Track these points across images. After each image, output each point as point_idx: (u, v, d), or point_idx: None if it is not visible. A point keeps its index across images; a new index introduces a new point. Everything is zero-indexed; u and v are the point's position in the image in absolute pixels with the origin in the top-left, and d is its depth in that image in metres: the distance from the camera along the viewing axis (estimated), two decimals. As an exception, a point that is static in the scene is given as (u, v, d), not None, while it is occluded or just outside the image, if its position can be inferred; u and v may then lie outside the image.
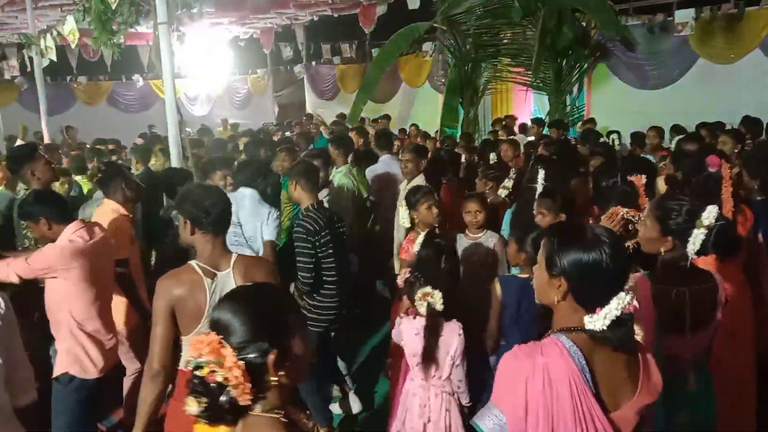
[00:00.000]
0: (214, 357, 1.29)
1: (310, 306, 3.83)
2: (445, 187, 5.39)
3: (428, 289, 2.82)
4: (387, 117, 12.17)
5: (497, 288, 3.15)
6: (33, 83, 11.93)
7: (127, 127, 14.81)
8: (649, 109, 9.93)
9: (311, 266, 3.69)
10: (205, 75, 15.88)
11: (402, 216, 3.99)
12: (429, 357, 2.86)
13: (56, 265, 2.96)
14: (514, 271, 3.48)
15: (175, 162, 4.85)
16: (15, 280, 2.99)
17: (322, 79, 16.85)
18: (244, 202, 4.11)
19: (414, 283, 2.90)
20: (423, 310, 2.82)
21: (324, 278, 3.80)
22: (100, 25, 5.16)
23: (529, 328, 3.15)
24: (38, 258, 2.98)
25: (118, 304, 3.56)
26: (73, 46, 7.34)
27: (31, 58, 9.05)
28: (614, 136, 7.73)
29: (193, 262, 2.43)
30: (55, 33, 7.31)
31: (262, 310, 1.40)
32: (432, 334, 2.84)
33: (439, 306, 2.80)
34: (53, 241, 3.07)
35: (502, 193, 5.03)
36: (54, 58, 7.75)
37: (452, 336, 2.87)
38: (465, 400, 2.97)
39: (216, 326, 1.36)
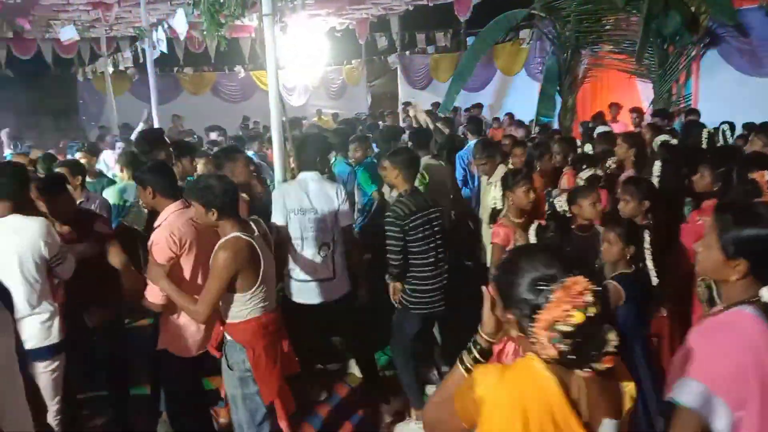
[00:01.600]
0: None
1: (408, 290, 3.89)
2: (537, 175, 5.30)
3: None
4: (479, 106, 12.05)
5: (616, 287, 3.05)
6: (144, 74, 12.69)
7: (229, 115, 15.50)
8: (764, 98, 9.27)
9: (399, 249, 3.76)
10: (302, 66, 16.27)
11: (493, 196, 3.96)
12: None
13: (173, 252, 3.20)
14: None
15: (277, 148, 5.01)
16: (160, 300, 3.26)
17: (416, 68, 16.87)
18: (308, 187, 4.12)
19: None
20: None
21: (418, 262, 3.85)
22: (209, 17, 5.40)
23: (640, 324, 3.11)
24: (157, 256, 3.19)
25: None
26: (181, 38, 7.73)
27: (143, 51, 9.59)
28: (725, 127, 7.24)
29: (237, 233, 2.94)
30: (165, 26, 7.71)
31: None
32: None
33: None
34: (154, 208, 3.34)
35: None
36: (165, 50, 8.19)
37: None
38: None
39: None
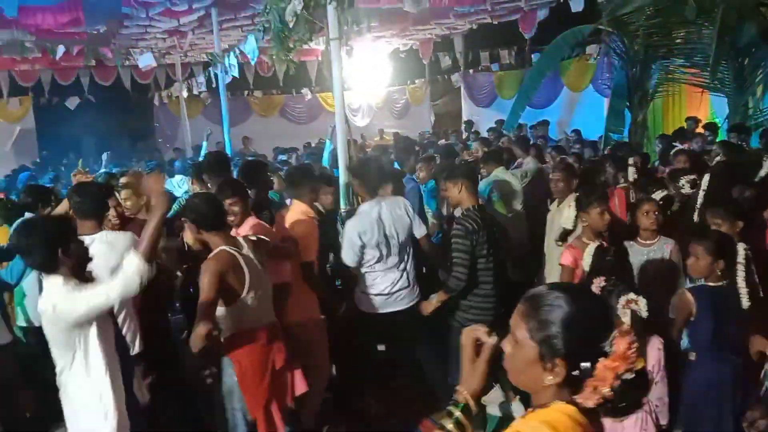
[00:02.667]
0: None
1: (464, 306, 3.88)
2: (619, 191, 5.17)
3: (632, 295, 2.70)
4: (545, 122, 11.90)
5: (688, 299, 2.94)
6: (216, 98, 13.22)
7: (296, 136, 15.87)
8: None
9: (468, 263, 3.75)
10: (366, 87, 16.52)
11: (566, 216, 3.90)
12: None
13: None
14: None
15: (342, 168, 5.11)
16: None
17: (480, 86, 16.82)
18: (381, 215, 4.10)
19: (612, 291, 2.78)
20: (627, 319, 2.67)
21: (479, 278, 3.85)
22: (278, 42, 5.58)
23: (735, 340, 2.98)
24: None
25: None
26: (252, 63, 8.02)
27: (215, 75, 10.00)
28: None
29: (224, 247, 3.09)
30: (237, 51, 8.03)
31: None
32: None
33: (644, 313, 2.68)
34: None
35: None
36: (236, 74, 8.52)
37: (651, 350, 2.75)
38: (664, 420, 2.83)
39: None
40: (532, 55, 14.61)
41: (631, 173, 5.29)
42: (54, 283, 2.63)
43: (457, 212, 4.29)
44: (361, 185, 4.24)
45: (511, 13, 11.92)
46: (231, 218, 3.66)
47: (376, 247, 4.00)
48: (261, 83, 17.37)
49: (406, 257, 4.15)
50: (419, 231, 4.21)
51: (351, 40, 7.56)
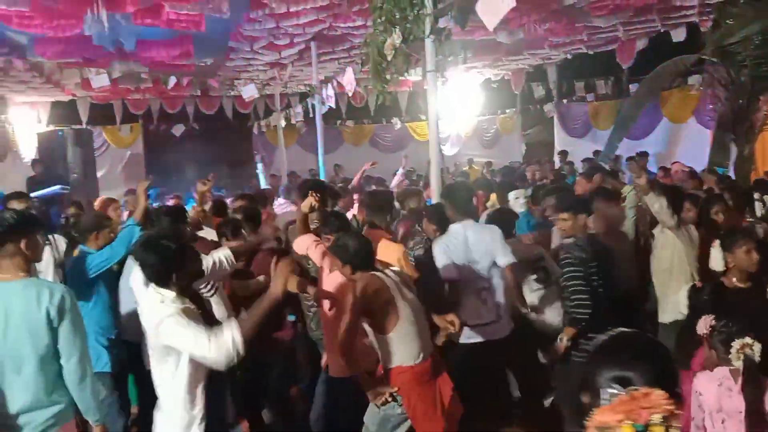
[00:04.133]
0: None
1: (582, 339, 3.78)
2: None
3: (748, 339, 2.61)
4: (644, 154, 11.50)
5: None
6: (311, 127, 13.68)
7: (385, 165, 16.11)
8: None
9: (583, 289, 3.66)
10: (457, 116, 16.58)
11: (714, 257, 3.74)
12: (753, 414, 2.63)
13: None
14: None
15: (435, 194, 5.17)
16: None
17: (574, 116, 16.50)
18: (467, 238, 4.13)
19: (724, 332, 2.71)
20: (739, 363, 2.60)
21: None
22: (376, 74, 5.74)
23: None
24: None
25: None
26: (349, 93, 8.27)
27: (312, 106, 10.36)
28: None
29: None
30: (335, 83, 8.31)
31: None
32: (755, 388, 2.63)
33: (757, 357, 2.59)
34: None
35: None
36: (333, 105, 8.81)
37: None
38: None
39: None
40: (630, 86, 14.21)
41: (759, 208, 5.03)
42: (166, 297, 2.74)
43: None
44: (451, 207, 4.31)
45: (608, 43, 11.68)
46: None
47: (460, 267, 4.00)
48: (353, 113, 17.82)
49: (489, 285, 4.12)
50: (504, 259, 4.15)
51: (446, 71, 7.68)
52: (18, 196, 5.10)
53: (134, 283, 3.46)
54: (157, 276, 2.77)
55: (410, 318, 3.15)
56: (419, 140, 18.45)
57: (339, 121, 18.40)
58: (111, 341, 4.04)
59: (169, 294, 2.75)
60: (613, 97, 15.52)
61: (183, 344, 2.66)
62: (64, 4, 6.47)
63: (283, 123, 14.48)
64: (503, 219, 4.72)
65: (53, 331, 2.75)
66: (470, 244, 4.10)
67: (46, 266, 4.21)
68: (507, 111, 18.44)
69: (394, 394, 3.15)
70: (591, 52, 12.39)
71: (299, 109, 12.49)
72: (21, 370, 2.77)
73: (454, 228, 4.21)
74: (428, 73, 5.26)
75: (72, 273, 4.06)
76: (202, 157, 17.32)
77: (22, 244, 2.79)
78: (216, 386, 2.94)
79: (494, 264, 4.14)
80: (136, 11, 6.86)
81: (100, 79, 9.07)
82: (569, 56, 13.18)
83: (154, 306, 2.75)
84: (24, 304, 2.73)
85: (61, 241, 4.49)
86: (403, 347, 3.14)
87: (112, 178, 16.22)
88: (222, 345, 2.58)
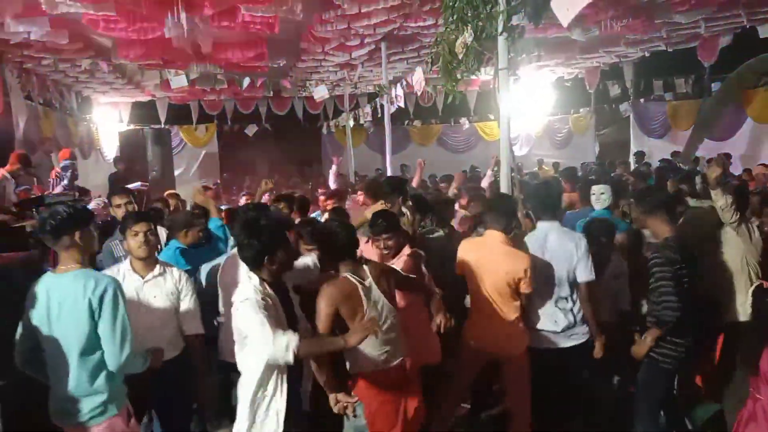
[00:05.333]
0: None
1: (665, 342, 3.69)
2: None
3: None
4: (727, 155, 10.97)
5: None
6: (378, 127, 13.77)
7: (452, 165, 15.99)
8: None
9: (671, 290, 3.55)
10: (527, 116, 16.29)
11: None
12: None
13: None
14: None
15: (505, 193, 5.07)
16: None
17: (651, 116, 15.90)
18: (548, 239, 4.02)
19: None
20: None
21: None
22: (446, 73, 5.69)
23: None
24: None
25: None
26: (418, 93, 8.25)
27: (381, 106, 10.40)
28: None
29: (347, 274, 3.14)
30: (404, 83, 8.31)
31: None
32: None
33: None
34: None
35: None
36: (402, 104, 8.81)
37: None
38: None
39: None
40: (712, 84, 13.59)
41: None
42: (252, 281, 2.95)
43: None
44: (537, 207, 4.25)
45: (689, 40, 11.18)
46: (386, 252, 3.79)
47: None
48: (421, 113, 17.79)
49: (566, 296, 4.00)
50: (582, 275, 3.96)
51: (518, 69, 7.55)
52: (119, 191, 5.33)
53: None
54: (252, 257, 2.97)
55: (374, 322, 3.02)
56: (488, 140, 18.25)
57: (407, 121, 18.42)
58: None
59: (255, 279, 2.95)
60: (693, 97, 14.86)
61: (248, 329, 2.86)
62: (147, 8, 6.73)
63: (351, 123, 14.61)
64: (601, 229, 4.52)
65: (94, 321, 2.85)
66: (549, 248, 3.99)
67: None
68: (580, 110, 17.97)
69: (355, 403, 3.05)
70: (670, 50, 11.90)
71: (368, 109, 12.57)
72: (68, 359, 2.90)
73: (539, 226, 4.15)
74: (500, 71, 5.16)
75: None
76: (272, 156, 17.78)
77: (77, 237, 2.92)
78: (293, 375, 3.06)
79: (571, 274, 3.98)
80: (213, 14, 7.07)
81: (178, 80, 9.40)
82: (647, 54, 12.70)
83: (241, 287, 2.96)
84: (72, 295, 2.86)
85: (162, 233, 4.68)
86: (365, 353, 3.09)
87: (188, 175, 16.81)
88: (278, 347, 2.75)
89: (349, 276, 3.14)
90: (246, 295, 2.86)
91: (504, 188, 5.25)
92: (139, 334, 3.09)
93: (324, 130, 18.19)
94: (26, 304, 2.97)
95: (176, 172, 14.46)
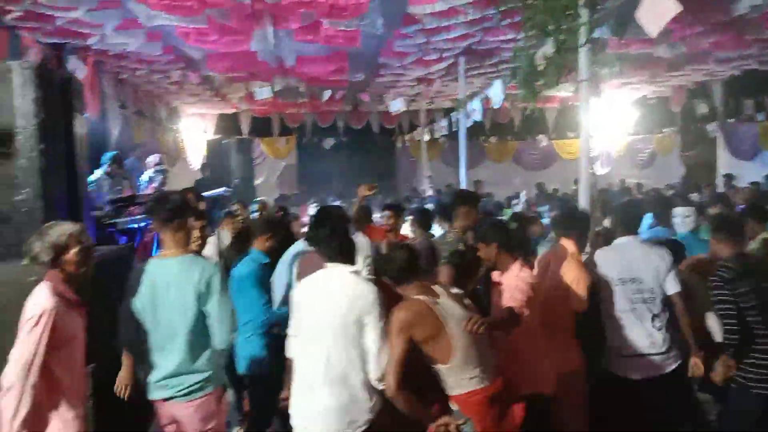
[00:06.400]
0: None
1: (744, 364, 3.53)
2: None
3: None
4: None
5: None
6: (453, 142, 13.74)
7: (527, 183, 15.81)
8: None
9: (731, 314, 3.48)
10: (608, 134, 15.89)
11: None
12: None
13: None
14: None
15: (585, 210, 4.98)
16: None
17: (741, 137, 15.16)
18: (632, 253, 3.93)
19: None
20: None
21: (753, 331, 3.50)
22: (525, 85, 5.67)
23: None
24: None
25: None
26: (496, 107, 8.20)
27: (457, 120, 10.41)
28: None
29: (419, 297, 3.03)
30: (482, 96, 8.31)
31: None
32: None
33: None
34: (494, 266, 3.55)
35: None
36: (479, 118, 8.79)
37: None
38: None
39: None
40: (810, 104, 12.85)
41: None
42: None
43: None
44: (619, 223, 4.15)
45: (785, 57, 10.65)
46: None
47: (619, 286, 3.83)
48: (497, 130, 17.63)
49: (655, 312, 3.87)
50: (674, 286, 3.87)
51: (599, 84, 7.41)
52: (191, 190, 5.64)
53: None
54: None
55: (467, 345, 2.96)
56: (565, 159, 17.90)
57: (482, 138, 18.31)
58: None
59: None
60: (787, 117, 14.09)
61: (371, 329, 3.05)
62: (236, 22, 7.05)
63: (426, 137, 14.67)
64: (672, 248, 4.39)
65: (201, 305, 3.04)
66: (633, 262, 3.91)
67: (211, 255, 4.62)
68: (664, 130, 17.36)
69: (465, 421, 2.97)
70: (762, 68, 11.35)
71: (444, 123, 12.60)
72: (174, 339, 3.12)
73: (618, 242, 4.07)
74: (581, 83, 5.09)
75: (240, 270, 4.35)
76: (348, 168, 18.11)
77: (188, 223, 3.14)
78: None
79: (661, 289, 3.90)
80: (297, 28, 7.31)
81: (263, 92, 9.76)
82: (737, 72, 12.16)
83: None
84: (180, 279, 3.05)
85: (225, 236, 4.88)
86: (467, 375, 2.98)
87: (268, 186, 17.35)
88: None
89: (422, 299, 3.04)
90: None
91: (583, 202, 5.17)
92: None
93: (399, 144, 18.34)
94: (129, 287, 3.20)
95: (256, 182, 14.98)
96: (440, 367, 3.00)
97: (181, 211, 3.17)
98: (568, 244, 3.91)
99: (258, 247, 4.40)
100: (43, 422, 2.80)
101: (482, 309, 3.46)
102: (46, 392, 2.79)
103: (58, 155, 4.19)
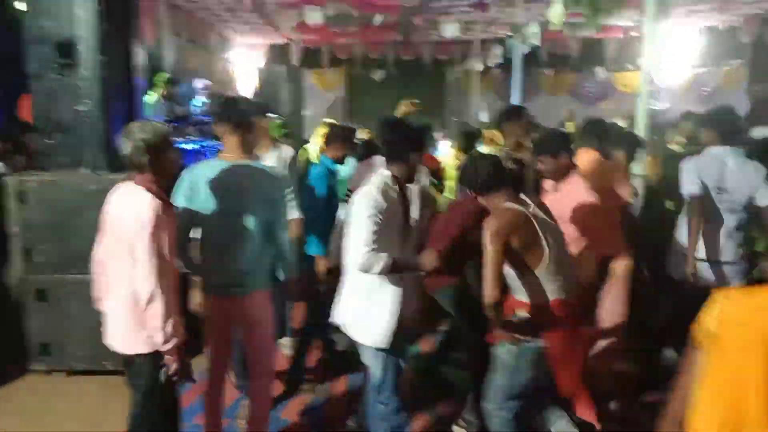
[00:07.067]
0: None
1: None
2: None
3: None
4: None
5: None
6: (506, 75, 13.36)
7: (584, 116, 15.28)
8: None
9: None
10: (672, 66, 15.14)
11: None
12: None
13: None
14: None
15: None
16: None
17: (817, 70, 14.27)
18: (727, 163, 3.87)
19: None
20: None
21: None
22: (591, 6, 5.40)
23: None
24: None
25: None
26: (557, 27, 7.81)
27: (513, 47, 10.07)
28: None
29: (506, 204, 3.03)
30: (541, 20, 7.98)
31: None
32: None
33: None
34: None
35: None
36: (537, 42, 8.45)
37: None
38: None
39: None
40: None
41: None
42: (384, 175, 3.20)
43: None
44: (710, 132, 4.05)
45: None
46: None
47: (711, 193, 3.79)
48: (553, 61, 17.01)
49: (743, 226, 3.81)
50: (763, 199, 3.81)
51: (667, 12, 7.01)
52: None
53: None
54: (392, 150, 3.23)
55: (557, 254, 2.97)
56: (624, 92, 17.22)
57: (538, 69, 17.71)
58: None
59: (388, 173, 3.21)
60: None
61: (355, 224, 3.14)
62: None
63: (480, 67, 14.24)
64: None
65: (265, 210, 3.09)
66: (728, 171, 3.87)
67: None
68: (732, 62, 16.43)
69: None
70: None
71: (498, 50, 12.20)
72: (243, 239, 3.19)
73: (714, 151, 3.98)
74: (647, 8, 4.80)
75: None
76: (398, 102, 17.80)
77: (259, 124, 3.17)
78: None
79: (751, 201, 3.87)
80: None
81: (314, 16, 9.59)
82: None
83: (369, 181, 3.18)
84: (244, 182, 3.08)
85: (288, 150, 4.90)
86: (550, 284, 2.96)
87: (317, 117, 17.30)
88: (366, 262, 3.00)
89: (514, 207, 3.02)
90: (368, 190, 3.04)
91: (644, 133, 4.98)
92: None
93: (450, 77, 17.92)
94: (187, 188, 3.22)
95: (305, 113, 14.91)
96: (525, 275, 3.00)
97: (251, 113, 3.18)
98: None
99: (329, 154, 4.67)
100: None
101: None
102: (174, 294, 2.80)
103: (118, 68, 4.23)
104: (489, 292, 2.84)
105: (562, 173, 3.65)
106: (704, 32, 14.58)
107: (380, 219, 2.96)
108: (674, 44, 14.05)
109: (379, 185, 3.04)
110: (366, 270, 2.95)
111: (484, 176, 3.08)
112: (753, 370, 1.53)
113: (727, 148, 3.91)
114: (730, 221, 3.84)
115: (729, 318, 1.60)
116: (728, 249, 3.82)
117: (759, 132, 6.25)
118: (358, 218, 2.97)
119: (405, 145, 3.12)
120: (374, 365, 3.12)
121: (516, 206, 2.99)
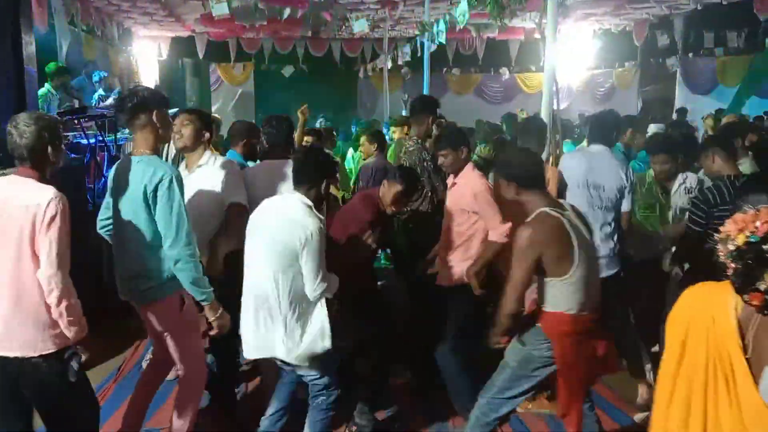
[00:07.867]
0: None
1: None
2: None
3: None
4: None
5: None
6: (415, 73, 13.53)
7: (490, 116, 15.72)
8: None
9: (699, 234, 3.50)
10: (569, 68, 15.88)
11: None
12: None
13: None
14: None
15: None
16: None
17: (699, 72, 15.38)
18: (599, 161, 3.99)
19: None
20: None
21: None
22: (494, 4, 5.55)
23: None
24: None
25: None
26: (461, 27, 8.00)
27: (421, 45, 10.22)
28: None
29: (546, 209, 2.73)
30: (447, 17, 8.14)
31: None
32: None
33: None
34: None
35: None
36: (443, 40, 8.61)
37: None
38: None
39: None
40: (766, 39, 13.04)
41: None
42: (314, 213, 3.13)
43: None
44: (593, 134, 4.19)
45: (746, -9, 10.67)
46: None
47: (581, 189, 3.90)
48: (460, 61, 17.46)
49: (611, 222, 3.96)
50: (626, 204, 4.01)
51: (566, 16, 7.31)
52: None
53: None
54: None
55: (584, 265, 2.71)
56: (528, 93, 17.89)
57: (445, 69, 18.10)
58: None
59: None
60: (745, 52, 14.29)
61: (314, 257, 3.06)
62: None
63: (389, 65, 14.37)
64: None
65: (149, 209, 2.87)
66: (597, 167, 3.97)
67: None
68: (625, 64, 17.46)
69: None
70: (724, 2, 11.39)
71: (407, 49, 12.35)
72: (129, 241, 2.97)
73: (591, 147, 4.15)
74: (548, 13, 4.96)
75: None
76: (308, 99, 17.52)
77: (154, 116, 2.93)
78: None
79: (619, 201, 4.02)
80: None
81: (220, 8, 9.31)
82: (699, 6, 12.19)
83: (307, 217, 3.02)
84: (134, 179, 2.89)
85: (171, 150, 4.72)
86: (570, 295, 2.72)
87: (224, 113, 16.87)
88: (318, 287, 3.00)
89: (548, 210, 2.72)
90: (313, 222, 2.96)
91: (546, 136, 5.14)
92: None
93: (360, 75, 17.99)
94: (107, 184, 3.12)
95: (213, 108, 14.50)
96: (551, 280, 2.74)
97: (147, 104, 2.95)
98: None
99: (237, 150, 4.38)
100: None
101: None
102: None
103: (5, 57, 3.94)
104: (509, 305, 2.70)
105: (460, 166, 3.76)
106: (599, 35, 15.39)
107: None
108: (572, 46, 14.74)
109: (310, 214, 3.01)
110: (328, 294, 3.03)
111: (526, 169, 2.84)
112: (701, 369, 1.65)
113: (602, 147, 4.01)
114: (606, 217, 3.91)
115: (680, 315, 1.74)
116: (602, 245, 3.81)
117: (651, 129, 6.62)
118: (312, 250, 2.92)
119: (317, 171, 3.10)
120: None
121: (555, 213, 2.72)
